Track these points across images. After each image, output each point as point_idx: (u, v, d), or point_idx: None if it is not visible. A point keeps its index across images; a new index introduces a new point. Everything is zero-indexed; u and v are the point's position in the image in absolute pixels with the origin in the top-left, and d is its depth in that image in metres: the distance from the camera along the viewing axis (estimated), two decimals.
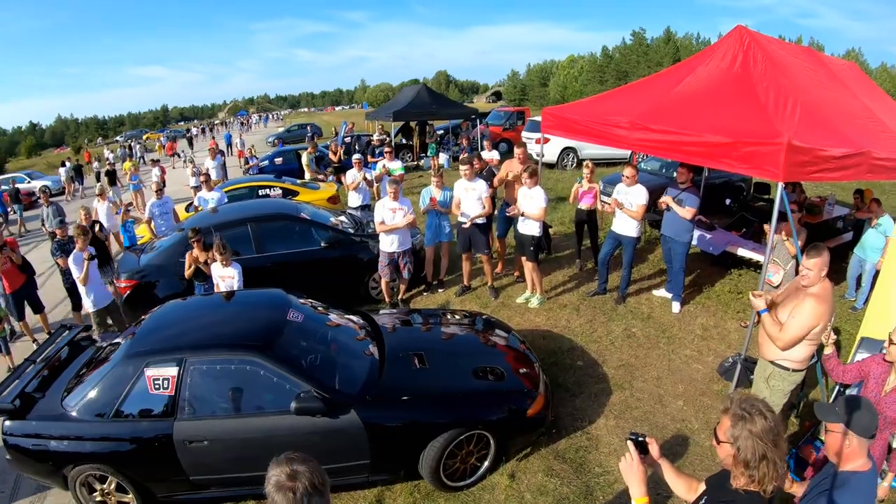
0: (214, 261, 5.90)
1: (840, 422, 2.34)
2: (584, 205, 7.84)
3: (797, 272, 5.94)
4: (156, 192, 9.53)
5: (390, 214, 6.87)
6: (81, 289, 6.28)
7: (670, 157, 6.25)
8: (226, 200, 9.30)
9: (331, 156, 14.65)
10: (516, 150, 7.83)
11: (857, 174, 5.08)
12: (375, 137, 16.67)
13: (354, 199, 9.59)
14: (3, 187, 17.89)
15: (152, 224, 9.12)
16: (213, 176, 14.64)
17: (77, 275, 6.17)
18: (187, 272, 6.29)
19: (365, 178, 9.55)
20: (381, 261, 7.08)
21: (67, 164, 23.78)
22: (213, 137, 37.51)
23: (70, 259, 6.24)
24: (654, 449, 2.31)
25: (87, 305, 6.40)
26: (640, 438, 2.28)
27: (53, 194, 19.69)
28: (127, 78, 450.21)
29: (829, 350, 3.84)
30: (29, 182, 22.32)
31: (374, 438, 3.98)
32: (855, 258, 7.05)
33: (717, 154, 5.10)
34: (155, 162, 16.85)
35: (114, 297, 6.70)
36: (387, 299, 7.35)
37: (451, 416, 4.11)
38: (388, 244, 6.96)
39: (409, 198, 7.34)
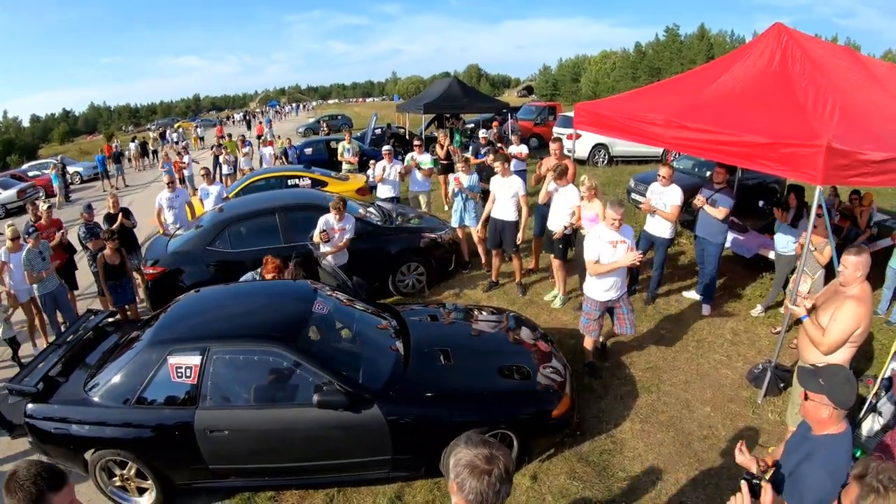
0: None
1: (821, 392, 2.35)
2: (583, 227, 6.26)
3: (826, 282, 5.85)
4: (167, 184, 9.11)
5: (610, 250, 4.89)
6: None
7: (707, 156, 6.08)
8: (225, 195, 9.35)
9: (438, 150, 11.76)
10: (552, 146, 7.62)
11: None
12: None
13: (384, 191, 9.45)
14: (46, 170, 19.84)
15: (162, 217, 8.91)
16: (243, 166, 14.76)
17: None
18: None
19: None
20: (587, 312, 5.20)
21: (136, 140, 27.09)
22: (261, 123, 38.10)
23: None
24: (766, 496, 2.13)
25: None
26: (756, 481, 2.12)
27: (84, 181, 21.54)
28: (161, 68, 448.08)
29: None
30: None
31: (396, 434, 3.93)
32: (891, 271, 6.71)
33: (755, 155, 4.94)
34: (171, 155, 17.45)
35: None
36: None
37: (475, 414, 4.06)
38: (602, 289, 5.02)
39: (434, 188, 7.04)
